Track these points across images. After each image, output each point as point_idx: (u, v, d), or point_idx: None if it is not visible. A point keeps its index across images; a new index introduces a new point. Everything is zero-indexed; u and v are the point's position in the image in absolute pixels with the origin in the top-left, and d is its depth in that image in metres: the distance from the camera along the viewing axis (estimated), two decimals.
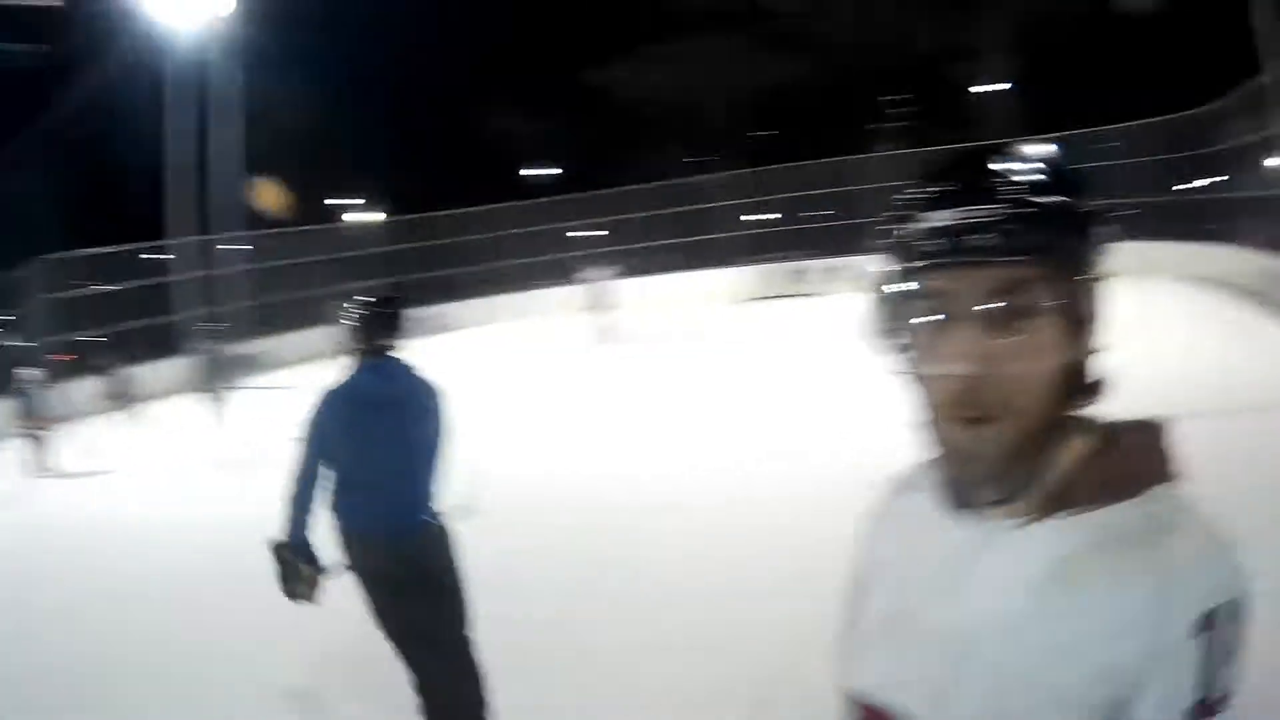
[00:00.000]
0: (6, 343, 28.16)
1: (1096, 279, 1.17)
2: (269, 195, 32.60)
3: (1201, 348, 13.72)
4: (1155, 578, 1.05)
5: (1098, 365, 1.19)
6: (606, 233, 34.33)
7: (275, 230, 32.09)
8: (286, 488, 4.36)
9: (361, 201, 41.60)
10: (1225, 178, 25.22)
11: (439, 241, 33.94)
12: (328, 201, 41.28)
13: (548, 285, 32.30)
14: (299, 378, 21.62)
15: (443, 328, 29.68)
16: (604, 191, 34.05)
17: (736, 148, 40.38)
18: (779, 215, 33.71)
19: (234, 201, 30.65)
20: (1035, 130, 33.40)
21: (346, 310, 4.57)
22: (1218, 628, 1.04)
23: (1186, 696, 1.03)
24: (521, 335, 25.48)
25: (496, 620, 4.81)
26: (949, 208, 1.14)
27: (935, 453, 1.22)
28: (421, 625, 4.39)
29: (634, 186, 34.01)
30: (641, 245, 32.69)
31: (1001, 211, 1.11)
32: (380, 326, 4.54)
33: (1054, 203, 1.14)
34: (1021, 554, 1.15)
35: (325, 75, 35.86)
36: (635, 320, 23.19)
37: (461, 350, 23.42)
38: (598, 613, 6.17)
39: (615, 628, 5.90)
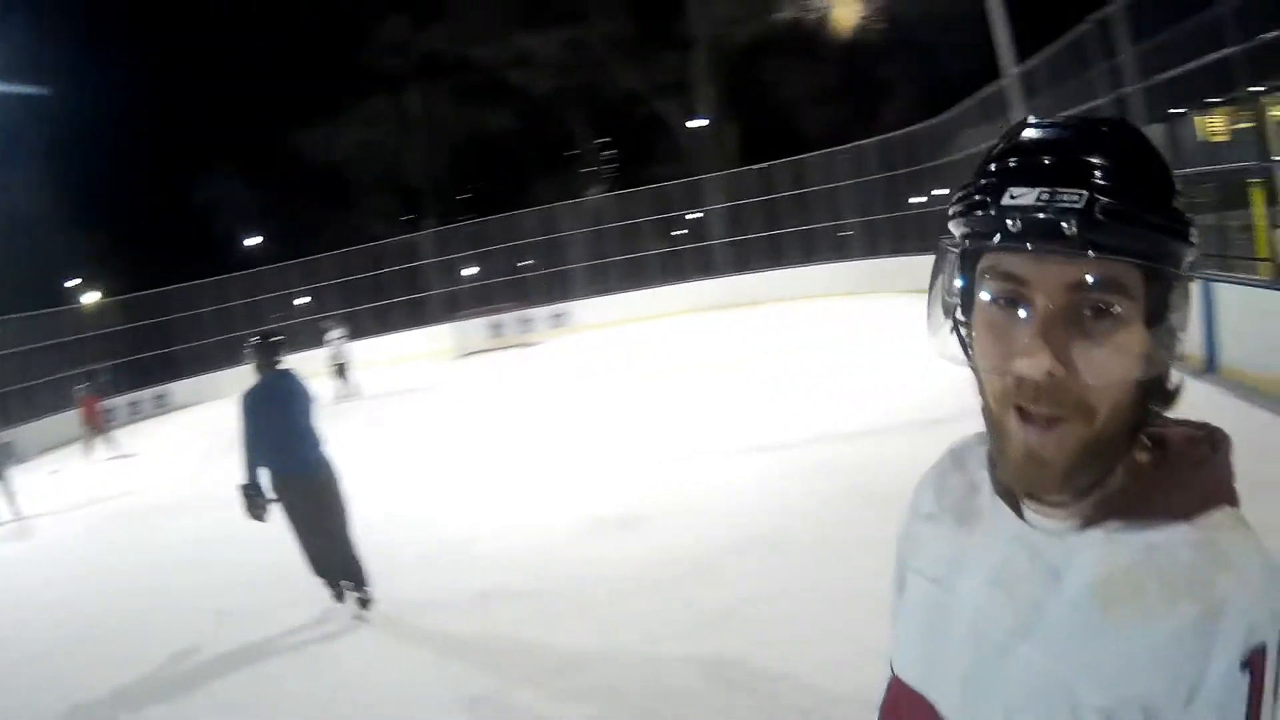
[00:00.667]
0: None
1: (1186, 282, 1.10)
2: None
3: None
4: (1201, 609, 1.02)
5: (1174, 370, 1.13)
6: (310, 300, 35.10)
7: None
8: (241, 452, 7.36)
9: (80, 281, 40.96)
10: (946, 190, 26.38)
11: (169, 317, 34.16)
12: (67, 284, 40.65)
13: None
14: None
15: (179, 404, 30.04)
16: (324, 255, 34.74)
17: (448, 202, 41.36)
18: (480, 268, 34.85)
19: None
20: (750, 160, 34.21)
21: (247, 344, 7.89)
22: (1266, 664, 1.00)
23: None
24: None
25: None
26: (1045, 183, 1.06)
27: (997, 445, 1.16)
28: (320, 522, 7.52)
29: (353, 248, 34.78)
30: (366, 307, 33.62)
31: (1109, 201, 1.03)
32: (269, 353, 7.67)
33: (1160, 198, 1.08)
34: (1066, 563, 1.13)
35: (39, 157, 35.15)
36: (368, 379, 24.40)
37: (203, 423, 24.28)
38: None
39: None
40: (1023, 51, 18.60)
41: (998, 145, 1.16)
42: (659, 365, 19.58)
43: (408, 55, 37.90)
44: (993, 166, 1.13)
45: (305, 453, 7.50)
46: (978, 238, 1.12)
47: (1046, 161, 1.08)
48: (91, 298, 37.56)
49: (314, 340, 27.15)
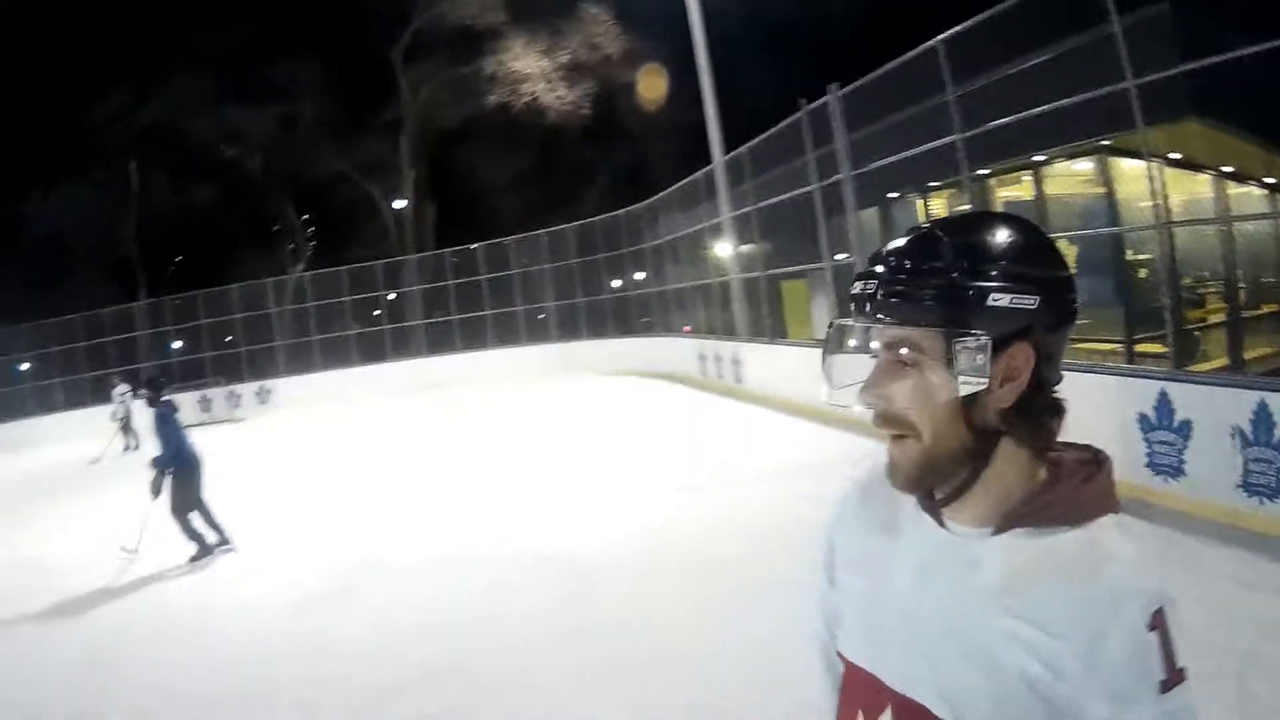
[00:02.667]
0: None
1: (984, 339, 1.35)
2: None
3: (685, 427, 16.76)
4: (1091, 594, 1.30)
5: (1005, 403, 1.39)
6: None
7: None
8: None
9: None
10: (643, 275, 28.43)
11: None
12: None
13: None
14: None
15: None
16: (36, 323, 33.91)
17: (160, 275, 39.89)
18: (188, 342, 34.16)
19: None
20: (450, 242, 35.20)
21: (142, 383, 12.63)
22: (1165, 622, 1.29)
23: (1157, 674, 1.28)
24: None
25: None
26: (862, 277, 1.42)
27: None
28: (192, 503, 10.93)
29: (74, 315, 33.96)
30: (75, 377, 33.14)
31: (888, 286, 1.38)
32: (156, 390, 11.37)
33: (944, 281, 1.36)
34: (980, 560, 1.40)
35: None
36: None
37: None
38: None
39: None
40: (738, 139, 19.70)
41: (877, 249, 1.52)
42: (364, 443, 20.49)
43: (130, 126, 37.04)
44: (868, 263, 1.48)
45: (184, 453, 11.12)
46: (847, 313, 1.47)
47: (884, 256, 1.44)
48: None
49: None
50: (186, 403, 29.06)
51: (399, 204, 39.91)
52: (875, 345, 1.44)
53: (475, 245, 32.71)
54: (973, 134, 11.46)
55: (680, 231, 24.90)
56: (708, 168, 21.47)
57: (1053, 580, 1.33)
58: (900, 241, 1.44)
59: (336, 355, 33.39)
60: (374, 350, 33.55)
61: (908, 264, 1.39)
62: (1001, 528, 1.40)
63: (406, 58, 36.48)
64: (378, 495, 13.96)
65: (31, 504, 17.86)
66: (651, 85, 34.64)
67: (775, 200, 18.11)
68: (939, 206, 17.54)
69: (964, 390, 1.36)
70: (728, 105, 20.33)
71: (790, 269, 19.22)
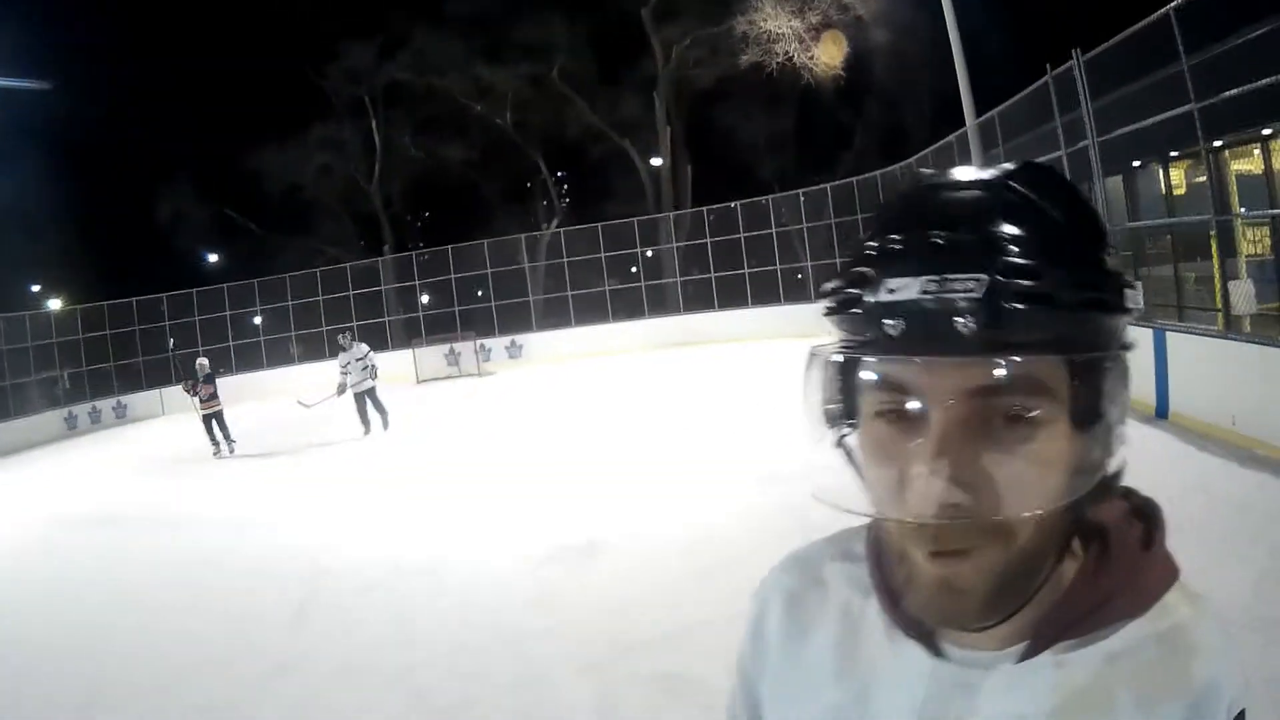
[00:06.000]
0: None
1: (1123, 359, 0.92)
2: None
3: None
4: (1180, 702, 0.92)
5: (1109, 462, 0.93)
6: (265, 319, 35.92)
7: None
8: None
9: (38, 288, 41.73)
10: None
11: (132, 328, 34.86)
12: (33, 287, 41.45)
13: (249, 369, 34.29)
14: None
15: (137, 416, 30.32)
16: (280, 276, 35.59)
17: (405, 230, 41.76)
18: (437, 296, 35.55)
19: None
20: (705, 201, 35.27)
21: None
22: None
23: None
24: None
25: None
26: (921, 271, 0.86)
27: (899, 573, 0.97)
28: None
29: (314, 270, 35.75)
30: (323, 329, 34.13)
31: (1019, 284, 0.84)
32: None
33: (1086, 264, 0.89)
34: (1011, 697, 0.96)
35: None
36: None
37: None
38: None
39: None
40: (985, 103, 19.42)
41: (875, 218, 0.98)
42: (613, 400, 20.31)
43: (371, 82, 38.43)
44: (868, 249, 0.94)
45: None
46: (854, 344, 0.94)
47: (934, 238, 0.88)
48: (53, 304, 38.06)
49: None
50: (434, 355, 30.83)
51: (655, 162, 40.17)
52: (917, 391, 0.90)
53: (734, 203, 32.97)
54: (1206, 104, 11.08)
55: None
56: (960, 130, 21.16)
57: (1130, 701, 0.94)
58: (968, 198, 0.92)
59: (592, 311, 33.92)
60: (631, 307, 34.05)
61: (1044, 239, 0.88)
62: (1036, 646, 0.97)
63: (657, 16, 36.77)
64: (620, 453, 13.96)
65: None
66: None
67: None
68: (1178, 177, 16.84)
69: (1110, 446, 0.93)
70: (973, 69, 19.93)
71: None
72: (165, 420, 30.60)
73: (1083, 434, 0.90)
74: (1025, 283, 0.84)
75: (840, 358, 0.95)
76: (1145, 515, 1.03)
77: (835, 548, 1.17)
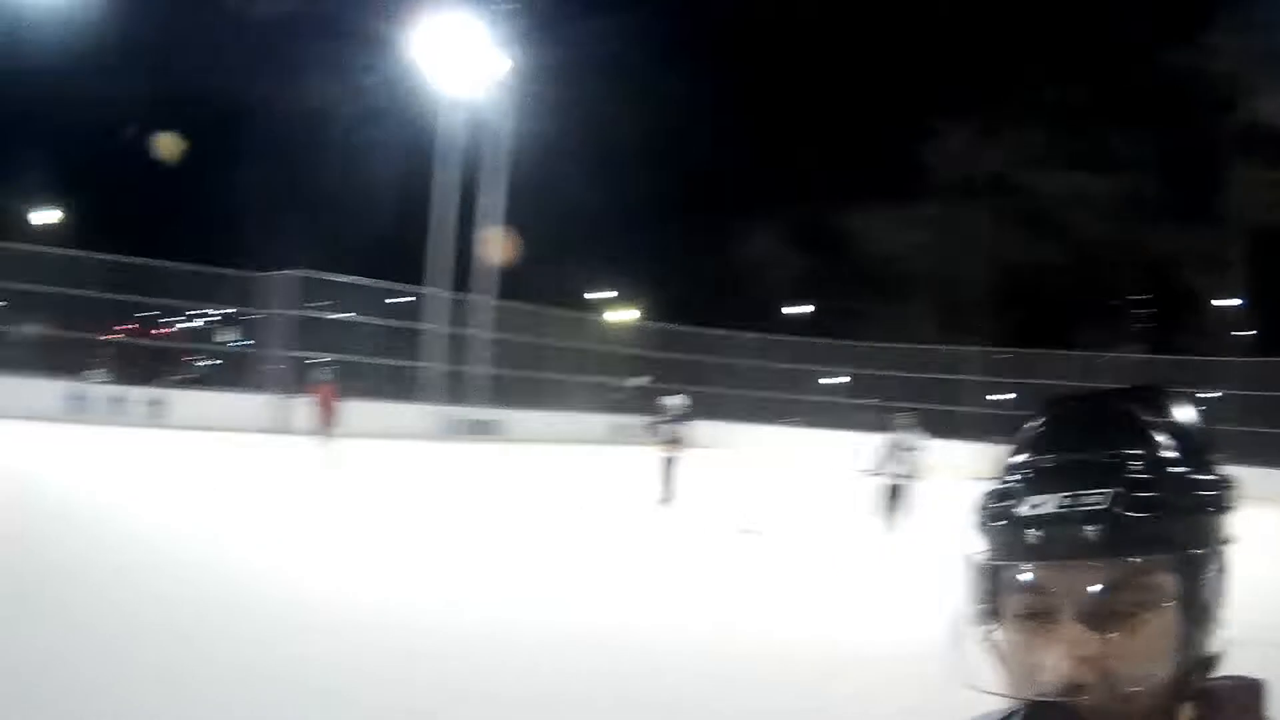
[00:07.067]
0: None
1: (1221, 553, 1.06)
2: (494, 246, 34.84)
3: None
4: None
5: (1210, 642, 1.07)
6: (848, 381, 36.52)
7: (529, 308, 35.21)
8: None
9: (614, 295, 44.68)
10: None
11: (696, 357, 36.48)
12: (588, 295, 44.51)
13: (789, 423, 35.04)
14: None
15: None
16: (858, 343, 36.32)
17: (983, 323, 41.52)
18: (1015, 396, 34.90)
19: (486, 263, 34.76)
20: (1270, 349, 33.65)
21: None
22: None
23: None
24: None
25: None
26: (1053, 489, 1.03)
27: None
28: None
29: (881, 344, 36.13)
30: (883, 403, 33.35)
31: (1138, 496, 1.00)
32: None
33: (1195, 472, 1.04)
34: None
35: (589, 155, 38.13)
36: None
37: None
38: None
39: None
40: None
41: (1015, 446, 1.13)
42: None
43: (966, 169, 38.51)
44: (1011, 474, 1.09)
45: None
46: (1002, 552, 1.08)
47: (1066, 460, 1.05)
48: (620, 315, 40.35)
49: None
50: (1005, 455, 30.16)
51: (1225, 302, 38.74)
52: (1068, 594, 1.01)
53: None
54: None
55: None
56: None
57: None
58: (1108, 419, 1.08)
59: None
60: None
61: (1159, 455, 1.04)
62: None
63: (1236, 150, 34.93)
64: None
65: None
66: None
67: None
68: None
69: (1207, 627, 1.06)
70: None
71: None
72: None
73: (1188, 620, 1.02)
74: (1143, 494, 0.99)
75: (993, 561, 1.08)
76: (1251, 689, 1.07)
77: None
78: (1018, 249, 39.93)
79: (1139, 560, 0.99)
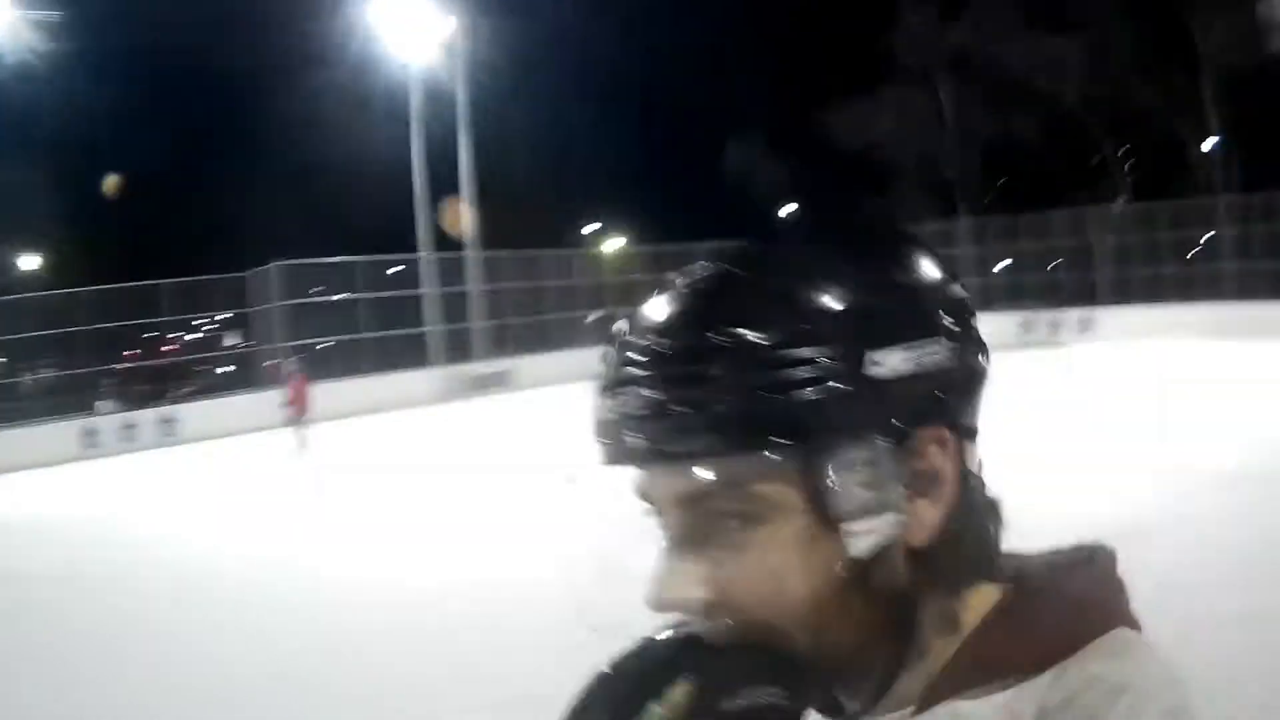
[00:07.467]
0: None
1: (878, 441, 0.81)
2: (453, 217, 34.76)
3: None
4: None
5: (925, 536, 0.83)
6: None
7: (522, 252, 35.52)
8: None
9: (599, 226, 44.93)
10: None
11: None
12: (584, 230, 44.67)
13: None
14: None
15: None
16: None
17: (975, 198, 41.56)
18: (1010, 264, 35.10)
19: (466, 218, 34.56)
20: (1253, 187, 34.09)
21: None
22: None
23: None
24: None
25: None
26: (617, 384, 0.83)
27: None
28: None
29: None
30: None
31: (656, 400, 0.79)
32: None
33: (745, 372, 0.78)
34: None
35: (562, 91, 38.16)
36: None
37: None
38: None
39: None
40: None
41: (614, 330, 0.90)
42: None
43: (934, 49, 38.80)
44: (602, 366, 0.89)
45: None
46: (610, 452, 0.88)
47: (629, 351, 0.84)
48: (610, 245, 40.46)
49: None
50: (1007, 325, 30.44)
51: (1206, 144, 38.60)
52: (660, 502, 0.86)
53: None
54: None
55: None
56: None
57: None
58: (703, 287, 0.84)
59: (1154, 291, 32.68)
60: (1183, 289, 32.60)
61: (662, 345, 0.82)
62: (928, 700, 0.86)
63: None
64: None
65: None
66: None
67: None
68: None
69: (863, 548, 0.82)
70: None
71: None
72: None
73: (819, 526, 0.81)
74: (678, 393, 0.79)
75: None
76: (1086, 560, 0.92)
77: None
78: (990, 122, 39.66)
79: (697, 462, 0.80)
